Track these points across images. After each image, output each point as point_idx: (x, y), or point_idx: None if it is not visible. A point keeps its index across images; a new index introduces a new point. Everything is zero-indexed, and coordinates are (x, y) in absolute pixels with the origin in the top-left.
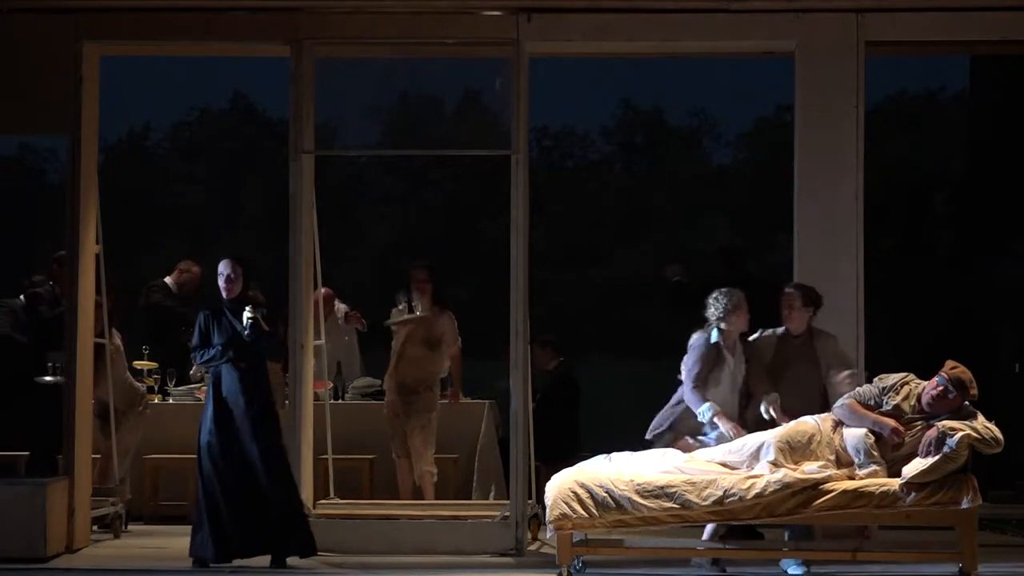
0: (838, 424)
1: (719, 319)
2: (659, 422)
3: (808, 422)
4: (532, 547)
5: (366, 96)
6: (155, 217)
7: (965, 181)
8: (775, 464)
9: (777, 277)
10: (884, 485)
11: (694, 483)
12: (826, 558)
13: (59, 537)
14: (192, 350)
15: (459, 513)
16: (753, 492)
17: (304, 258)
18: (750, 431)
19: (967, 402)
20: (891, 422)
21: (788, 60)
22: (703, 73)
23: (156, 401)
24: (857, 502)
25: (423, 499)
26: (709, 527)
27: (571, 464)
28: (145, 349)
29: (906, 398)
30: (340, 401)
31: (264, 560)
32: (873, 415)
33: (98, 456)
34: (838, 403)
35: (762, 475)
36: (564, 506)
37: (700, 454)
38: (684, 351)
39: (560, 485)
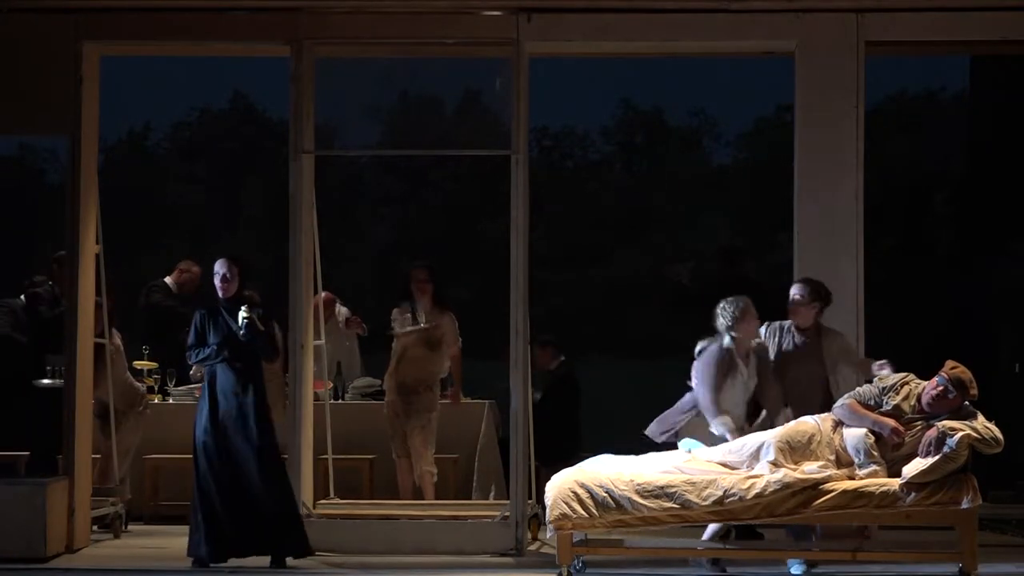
0: (838, 424)
1: (728, 328)
2: (666, 427)
3: (808, 422)
4: (532, 547)
5: (366, 96)
6: (155, 217)
7: (965, 181)
8: (775, 464)
9: (777, 277)
10: (884, 485)
11: (694, 483)
12: (826, 558)
13: (59, 537)
14: (187, 349)
15: (459, 513)
16: (753, 492)
17: (304, 258)
18: None
19: (967, 402)
20: (891, 422)
21: (788, 60)
22: (703, 73)
23: (156, 401)
24: (857, 502)
25: (423, 499)
26: (710, 528)
27: (572, 464)
28: (145, 349)
29: (906, 398)
30: (340, 401)
31: (263, 560)
32: (873, 415)
33: (98, 456)
34: (838, 403)
35: (762, 475)
36: (564, 506)
37: (700, 453)
38: (684, 351)
39: (560, 485)
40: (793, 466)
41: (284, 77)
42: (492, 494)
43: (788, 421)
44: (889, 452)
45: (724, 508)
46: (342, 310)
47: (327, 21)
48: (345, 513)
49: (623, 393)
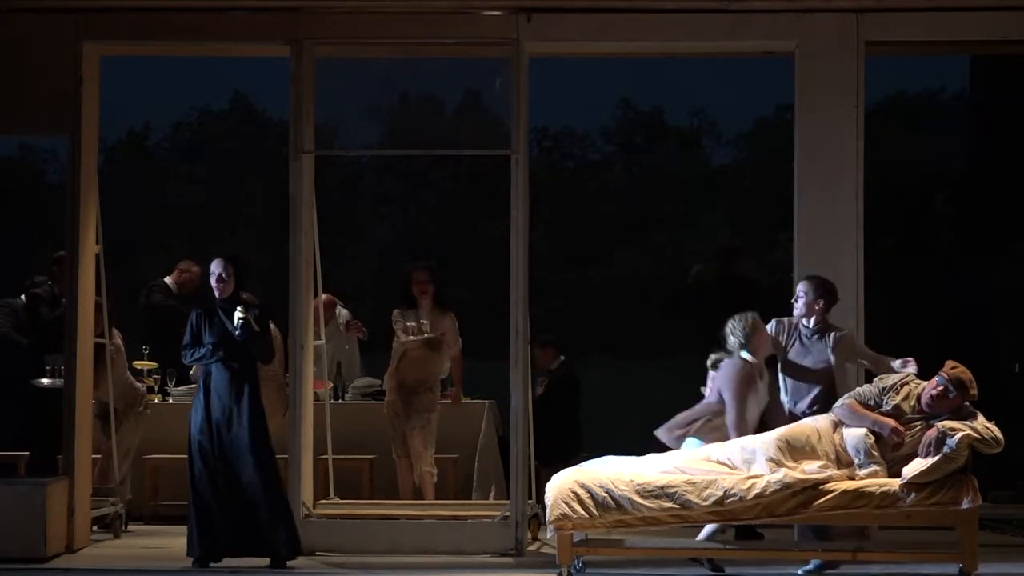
0: (838, 424)
1: (742, 346)
2: (677, 432)
3: (808, 422)
4: (532, 547)
5: (366, 96)
6: (155, 217)
7: (965, 181)
8: (775, 462)
9: (777, 276)
10: (884, 485)
11: (694, 483)
12: (826, 558)
13: (59, 537)
14: (183, 348)
15: (459, 513)
16: (753, 492)
17: (304, 258)
18: None
19: (967, 402)
20: (891, 422)
21: (788, 60)
22: (703, 73)
23: (156, 401)
24: (857, 502)
25: (423, 499)
26: (707, 528)
27: (572, 464)
28: (145, 349)
29: (906, 398)
30: (340, 401)
31: (262, 560)
32: (873, 415)
33: (98, 456)
34: (838, 403)
35: (762, 475)
36: (564, 506)
37: (700, 452)
38: (684, 351)
39: (560, 485)
40: (793, 464)
41: (284, 77)
42: (492, 494)
43: None
44: (889, 452)
45: (724, 508)
46: (343, 312)
47: (327, 21)
48: (345, 513)
49: (623, 393)
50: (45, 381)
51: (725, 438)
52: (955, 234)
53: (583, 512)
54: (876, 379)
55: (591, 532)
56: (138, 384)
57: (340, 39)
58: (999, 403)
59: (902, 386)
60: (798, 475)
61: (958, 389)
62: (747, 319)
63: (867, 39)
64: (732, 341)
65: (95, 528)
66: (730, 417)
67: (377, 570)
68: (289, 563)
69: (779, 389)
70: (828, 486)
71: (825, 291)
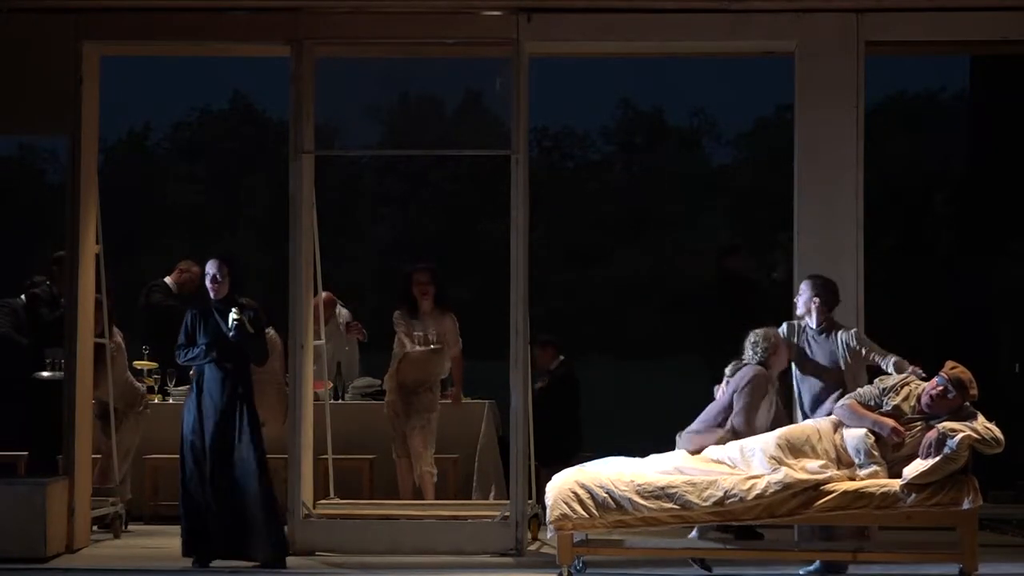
0: (839, 425)
1: (761, 363)
2: (698, 446)
3: (808, 422)
4: (532, 547)
5: (366, 96)
6: (155, 217)
7: (965, 181)
8: (776, 461)
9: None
10: (885, 486)
11: (694, 484)
12: (827, 558)
13: (59, 537)
14: (177, 348)
15: (459, 513)
16: (754, 493)
17: (304, 258)
18: None
19: (967, 402)
20: (891, 422)
21: (788, 60)
22: (703, 73)
23: (156, 401)
24: (858, 503)
25: (423, 499)
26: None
27: (572, 464)
28: (145, 349)
29: (906, 399)
30: (340, 401)
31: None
32: (873, 415)
33: (98, 456)
34: (838, 404)
35: (763, 475)
36: (564, 506)
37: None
38: (684, 351)
39: (560, 485)
40: (794, 462)
41: (284, 77)
42: (492, 494)
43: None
44: (890, 453)
45: (724, 509)
46: (343, 312)
47: (327, 21)
48: (345, 513)
49: (623, 393)
50: (45, 374)
51: None
52: (955, 234)
53: (583, 512)
54: (876, 380)
55: (591, 532)
56: (138, 384)
57: (340, 39)
58: (999, 403)
59: (902, 387)
60: (798, 476)
61: (958, 389)
62: (770, 339)
63: (867, 39)
64: (750, 354)
65: (95, 528)
66: (738, 421)
67: (377, 570)
68: (290, 562)
69: (796, 393)
70: (828, 487)
71: (821, 289)
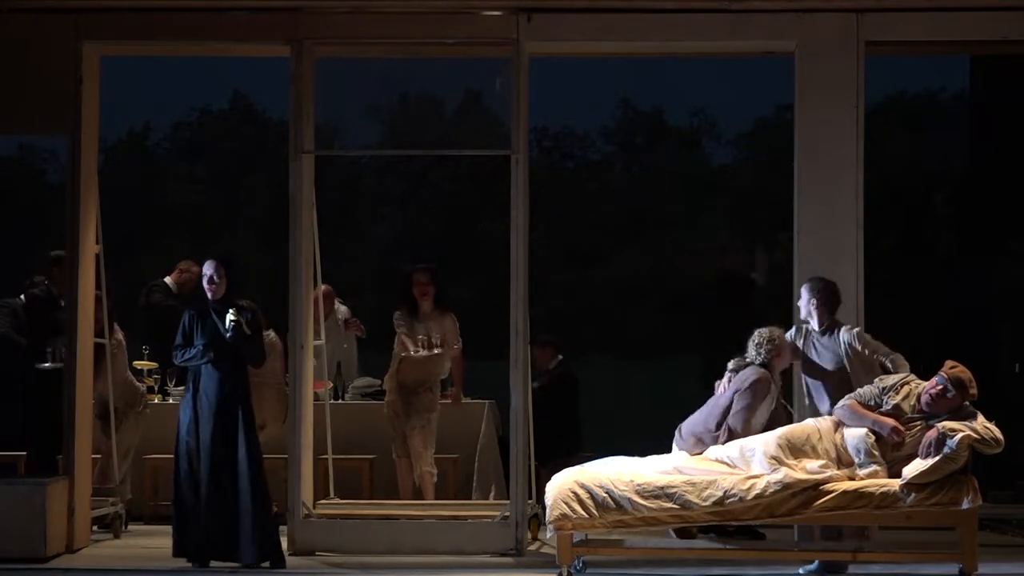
0: (838, 424)
1: (764, 364)
2: (701, 448)
3: (809, 422)
4: (532, 547)
5: (366, 96)
6: (155, 217)
7: (965, 181)
8: (776, 460)
9: (777, 277)
10: (884, 486)
11: (694, 484)
12: (826, 558)
13: (59, 537)
14: (174, 349)
15: (459, 513)
16: (753, 493)
17: (304, 258)
18: None
19: (967, 402)
20: (891, 422)
21: (788, 60)
22: (703, 73)
23: (156, 401)
24: (857, 503)
25: (423, 499)
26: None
27: (571, 464)
28: (145, 349)
29: (906, 398)
30: (340, 401)
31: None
32: (873, 415)
33: (98, 456)
34: (839, 404)
35: (762, 475)
36: (564, 506)
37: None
38: (684, 351)
39: (560, 485)
40: (794, 462)
41: (284, 77)
42: (492, 494)
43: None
44: (890, 452)
45: (724, 508)
46: (341, 309)
47: (327, 21)
48: (345, 513)
49: (623, 393)
50: (46, 365)
51: None
52: (955, 234)
53: (583, 512)
54: (876, 379)
55: (591, 532)
56: (138, 384)
57: (340, 39)
58: (999, 403)
59: (902, 386)
60: (798, 475)
61: (957, 389)
62: (774, 340)
63: (867, 39)
64: (753, 354)
65: (95, 528)
66: (735, 422)
67: (377, 570)
68: (291, 562)
69: (806, 396)
70: (828, 486)
71: (820, 292)
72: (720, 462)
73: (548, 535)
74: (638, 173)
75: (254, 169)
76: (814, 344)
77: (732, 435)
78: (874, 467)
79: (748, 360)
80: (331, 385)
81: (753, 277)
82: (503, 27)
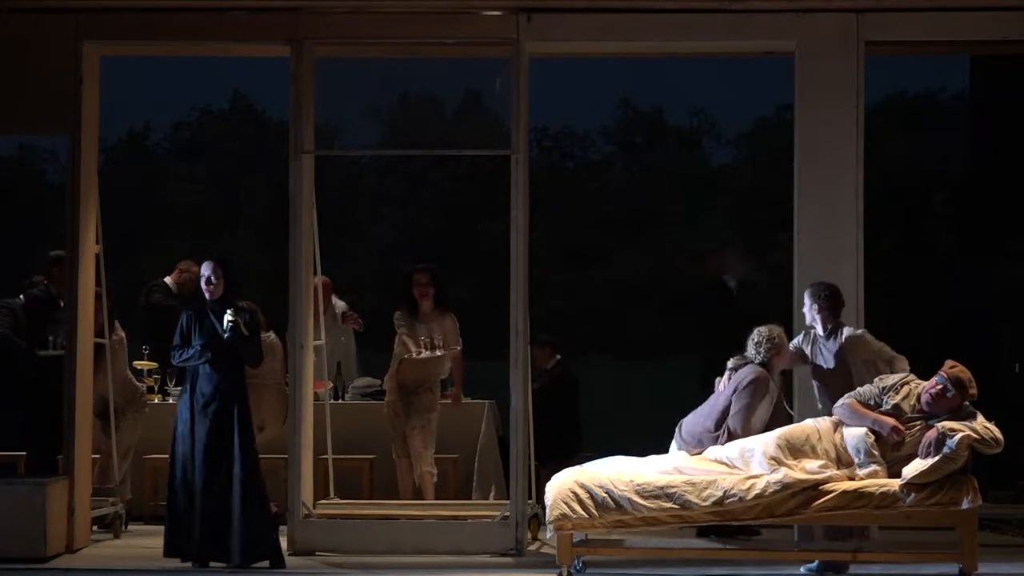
0: (839, 424)
1: (763, 364)
2: (700, 448)
3: (808, 422)
4: (532, 547)
5: (366, 96)
6: (155, 217)
7: (965, 181)
8: (776, 461)
9: (777, 277)
10: (884, 486)
11: (694, 484)
12: (826, 558)
13: (59, 537)
14: (172, 349)
15: (459, 513)
16: (753, 493)
17: (304, 258)
18: None
19: (966, 402)
20: (891, 421)
21: (788, 60)
22: (703, 73)
23: (156, 401)
24: (857, 503)
25: (423, 499)
26: None
27: (570, 463)
28: (145, 349)
29: (906, 398)
30: (340, 401)
31: (262, 561)
32: (873, 414)
33: (97, 456)
34: (838, 403)
35: (762, 475)
36: (564, 506)
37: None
38: (684, 351)
39: (560, 485)
40: (794, 462)
41: (284, 77)
42: (492, 494)
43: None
44: (889, 452)
45: (724, 508)
46: (339, 303)
47: (327, 21)
48: (345, 513)
49: (623, 393)
50: (47, 352)
51: None
52: (955, 234)
53: (583, 512)
54: (876, 379)
55: (591, 532)
56: (138, 383)
57: (340, 39)
58: (999, 403)
59: (902, 386)
60: (798, 475)
61: (957, 388)
62: (773, 338)
63: (867, 39)
64: (753, 353)
65: (95, 528)
66: (734, 423)
67: (377, 570)
68: (291, 562)
69: (818, 401)
70: (828, 487)
71: (821, 296)
72: (720, 462)
73: (548, 535)
74: (638, 173)
75: (254, 169)
76: (821, 348)
77: (732, 436)
78: (874, 467)
79: (749, 357)
80: (331, 385)
81: (724, 280)
82: (503, 27)
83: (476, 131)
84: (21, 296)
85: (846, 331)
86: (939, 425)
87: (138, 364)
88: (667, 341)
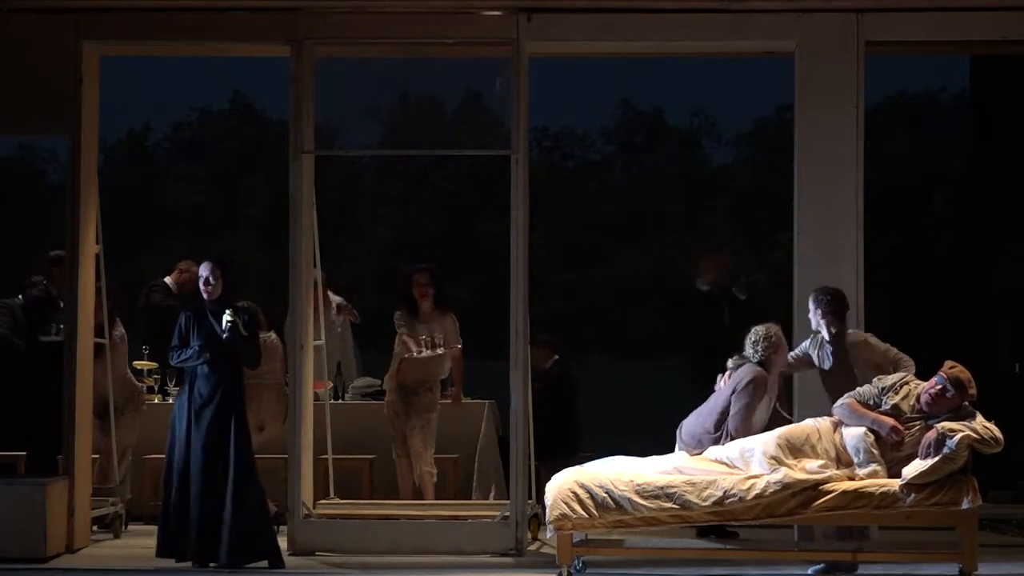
0: (838, 424)
1: (761, 362)
2: (700, 448)
3: (808, 422)
4: (532, 547)
5: (366, 96)
6: (155, 217)
7: (965, 181)
8: (776, 460)
9: (777, 277)
10: (884, 486)
11: (694, 484)
12: (826, 558)
13: (59, 537)
14: (171, 350)
15: (459, 513)
16: (753, 493)
17: (304, 258)
18: None
19: (966, 402)
20: (890, 421)
21: (788, 60)
22: (703, 73)
23: (156, 401)
24: (857, 503)
25: (423, 499)
26: None
27: (569, 462)
28: (145, 349)
29: (905, 398)
30: (340, 401)
31: (263, 562)
32: (872, 414)
33: (97, 456)
34: (838, 403)
35: (762, 475)
36: (564, 506)
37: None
38: (684, 351)
39: (560, 485)
40: (794, 461)
41: (284, 77)
42: (492, 494)
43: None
44: (889, 452)
45: (724, 509)
46: (335, 298)
47: (327, 21)
48: (345, 513)
49: (623, 393)
50: (48, 338)
51: None
52: (955, 234)
53: (583, 512)
54: (875, 379)
55: (591, 532)
56: (137, 383)
57: (340, 39)
58: (999, 403)
59: (901, 386)
60: (798, 476)
61: (956, 388)
62: (771, 337)
63: (867, 39)
64: (750, 352)
65: (95, 528)
66: (734, 424)
67: (377, 570)
68: (291, 562)
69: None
70: (828, 487)
71: (824, 301)
72: (720, 462)
73: (548, 535)
74: (638, 173)
75: (254, 169)
76: (828, 353)
77: (732, 437)
78: (873, 466)
79: (746, 356)
80: (331, 385)
81: (733, 291)
82: (503, 27)
83: (476, 131)
84: (20, 296)
85: (851, 335)
86: (939, 425)
87: (138, 364)
88: (667, 341)
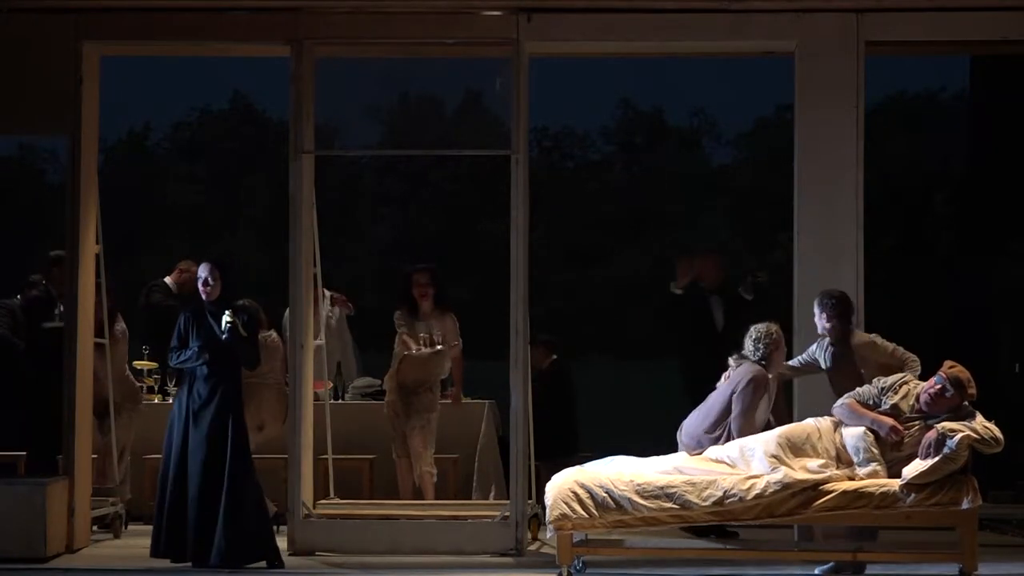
0: (838, 424)
1: (760, 361)
2: (701, 447)
3: (809, 421)
4: (532, 547)
5: (366, 96)
6: (155, 217)
7: (965, 181)
8: (776, 459)
9: (777, 277)
10: (884, 486)
11: (694, 484)
12: (827, 558)
13: (59, 537)
14: (170, 350)
15: (459, 513)
16: (753, 493)
17: (304, 258)
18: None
19: (965, 402)
20: (889, 421)
21: (788, 60)
22: (703, 73)
23: (156, 401)
24: (857, 503)
25: (423, 499)
26: None
27: (570, 462)
28: (145, 349)
29: (904, 397)
30: (340, 401)
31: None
32: (872, 414)
33: (96, 456)
34: (837, 403)
35: (762, 475)
36: (564, 506)
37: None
38: (683, 351)
39: (560, 485)
40: (794, 460)
41: (284, 77)
42: (492, 494)
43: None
44: (889, 452)
45: (724, 509)
46: (327, 293)
47: (327, 21)
48: (345, 513)
49: (623, 393)
50: (51, 324)
51: None
52: (955, 234)
53: (583, 512)
54: (875, 379)
55: (591, 532)
56: (136, 382)
57: (340, 39)
58: (999, 403)
59: (901, 386)
60: (797, 475)
61: (956, 388)
62: (771, 335)
63: (867, 39)
64: (750, 350)
65: (95, 528)
66: (736, 425)
67: (377, 570)
68: (291, 563)
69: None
70: (828, 486)
71: (828, 305)
72: (720, 462)
73: (548, 535)
74: (638, 173)
75: (254, 169)
76: (834, 355)
77: (733, 438)
78: (873, 466)
79: (746, 354)
80: (331, 385)
81: (740, 292)
82: (503, 27)
83: (476, 131)
84: (18, 296)
85: (857, 337)
86: (939, 425)
87: (138, 364)
88: (667, 341)
